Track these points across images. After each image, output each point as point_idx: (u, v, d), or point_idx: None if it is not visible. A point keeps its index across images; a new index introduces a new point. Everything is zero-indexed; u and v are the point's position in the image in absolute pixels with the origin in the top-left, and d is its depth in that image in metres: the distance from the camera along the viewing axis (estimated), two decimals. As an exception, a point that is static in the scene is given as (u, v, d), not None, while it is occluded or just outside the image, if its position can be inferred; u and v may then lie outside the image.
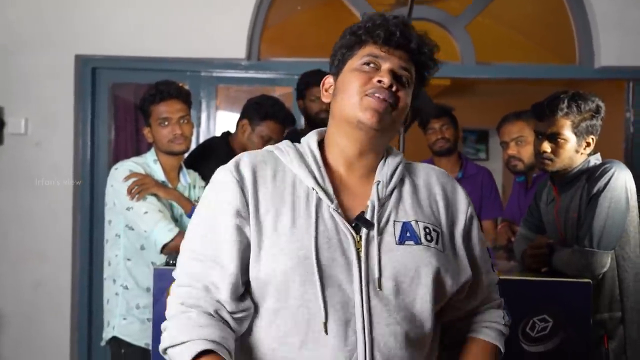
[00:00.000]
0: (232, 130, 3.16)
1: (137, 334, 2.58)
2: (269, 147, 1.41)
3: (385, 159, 1.40)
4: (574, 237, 2.24)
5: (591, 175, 2.22)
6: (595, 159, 2.28)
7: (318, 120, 3.18)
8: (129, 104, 4.10)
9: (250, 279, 1.27)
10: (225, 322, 1.27)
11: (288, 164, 1.35)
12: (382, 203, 1.34)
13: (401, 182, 1.39)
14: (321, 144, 1.40)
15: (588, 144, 2.27)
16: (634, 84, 3.86)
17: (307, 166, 1.35)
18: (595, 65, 3.77)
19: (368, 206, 1.32)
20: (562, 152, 2.25)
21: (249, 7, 3.72)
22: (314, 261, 1.24)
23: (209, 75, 3.82)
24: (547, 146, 2.26)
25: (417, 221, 1.33)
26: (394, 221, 1.33)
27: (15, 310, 3.71)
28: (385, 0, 4.52)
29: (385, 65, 1.33)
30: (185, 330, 1.23)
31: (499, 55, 4.73)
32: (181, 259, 1.33)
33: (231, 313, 1.26)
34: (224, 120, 3.99)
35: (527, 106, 3.06)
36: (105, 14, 3.71)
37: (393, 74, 1.33)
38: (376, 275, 1.27)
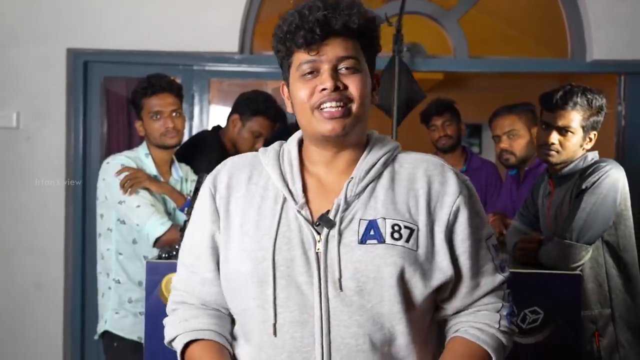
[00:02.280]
0: (223, 124, 3.16)
1: (129, 328, 2.59)
2: (260, 150, 1.42)
3: (370, 150, 1.35)
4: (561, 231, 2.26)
5: (585, 171, 2.23)
6: (593, 156, 2.30)
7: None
8: (121, 97, 4.08)
9: (221, 281, 1.34)
10: (215, 309, 1.37)
11: (265, 165, 1.36)
12: (351, 201, 1.29)
13: (379, 176, 1.33)
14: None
15: (590, 139, 2.29)
16: (626, 77, 3.87)
17: (280, 167, 1.35)
18: (587, 59, 3.78)
19: (333, 205, 1.29)
20: (569, 145, 2.27)
21: (242, 0, 3.71)
22: (270, 262, 1.24)
23: (202, 68, 3.81)
24: (555, 137, 2.27)
25: (384, 218, 1.27)
26: (360, 219, 1.27)
27: (7, 304, 3.70)
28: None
29: (323, 67, 1.27)
30: (174, 326, 1.37)
31: (492, 49, 4.74)
32: (178, 262, 1.44)
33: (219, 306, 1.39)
34: (216, 114, 3.99)
35: (519, 100, 3.08)
36: (98, 7, 3.68)
37: (335, 69, 1.27)
38: (337, 275, 1.23)
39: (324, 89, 1.26)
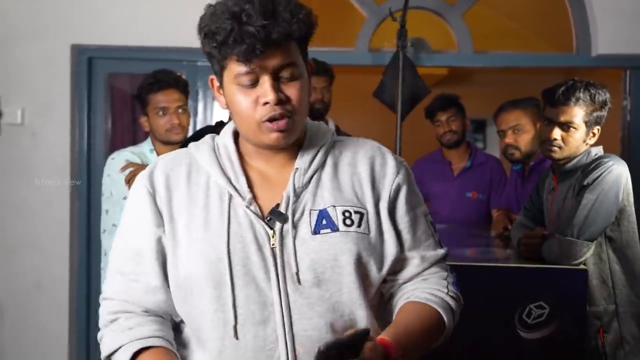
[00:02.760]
0: (226, 119, 3.16)
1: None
2: (190, 145, 1.36)
3: (310, 140, 1.33)
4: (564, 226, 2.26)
5: (587, 167, 2.23)
6: (597, 151, 2.29)
7: (313, 110, 3.17)
8: (125, 93, 4.09)
9: (170, 287, 1.27)
10: (158, 316, 1.30)
11: (202, 163, 1.31)
12: (299, 192, 1.28)
13: (323, 165, 1.32)
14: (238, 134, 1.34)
15: (594, 134, 2.28)
16: (631, 71, 3.86)
17: (220, 163, 1.30)
18: (592, 54, 3.77)
19: (283, 198, 1.27)
20: (572, 140, 2.26)
21: (245, -4, 3.71)
22: (226, 263, 1.21)
23: (206, 64, 3.80)
24: (557, 133, 2.26)
25: (334, 206, 1.27)
26: (310, 210, 1.27)
27: (13, 302, 3.71)
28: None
29: (263, 78, 1.21)
30: (117, 336, 1.26)
31: (496, 44, 4.74)
32: (107, 272, 1.34)
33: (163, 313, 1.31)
34: (220, 110, 3.99)
35: (523, 95, 3.08)
36: (101, 3, 3.69)
37: (276, 78, 1.22)
38: (294, 269, 1.22)
39: (266, 103, 1.21)
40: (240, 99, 1.23)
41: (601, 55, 3.72)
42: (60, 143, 3.71)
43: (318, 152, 1.32)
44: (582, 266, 2.15)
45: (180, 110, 2.64)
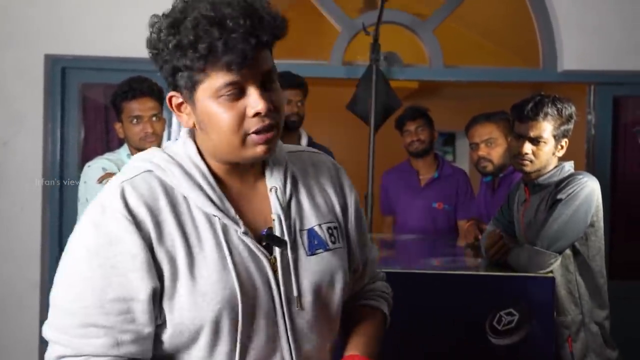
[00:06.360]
0: None
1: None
2: (146, 166, 1.17)
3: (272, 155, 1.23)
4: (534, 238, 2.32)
5: (561, 182, 2.30)
6: (569, 167, 2.36)
7: (288, 122, 3.21)
8: (98, 104, 4.07)
9: (168, 327, 1.12)
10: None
11: (176, 187, 1.15)
12: (287, 214, 1.21)
13: (293, 182, 1.26)
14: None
15: (562, 147, 2.36)
16: (595, 87, 3.97)
17: (200, 187, 1.15)
18: (558, 69, 3.88)
19: (274, 220, 1.20)
20: (542, 154, 2.32)
21: (221, 8, 3.73)
22: (239, 298, 1.12)
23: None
24: (528, 148, 2.33)
25: (320, 224, 1.24)
26: (300, 230, 1.22)
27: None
28: (354, 5, 4.59)
29: (250, 87, 1.11)
30: None
31: (467, 59, 4.83)
32: (67, 320, 1.10)
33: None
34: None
35: (493, 109, 3.14)
36: (76, 13, 3.68)
37: (262, 84, 1.13)
38: (295, 294, 1.18)
39: (257, 113, 1.11)
40: (222, 113, 1.11)
41: (567, 71, 3.83)
42: (32, 153, 3.68)
43: (286, 167, 1.26)
44: (549, 274, 2.22)
45: (154, 119, 2.65)
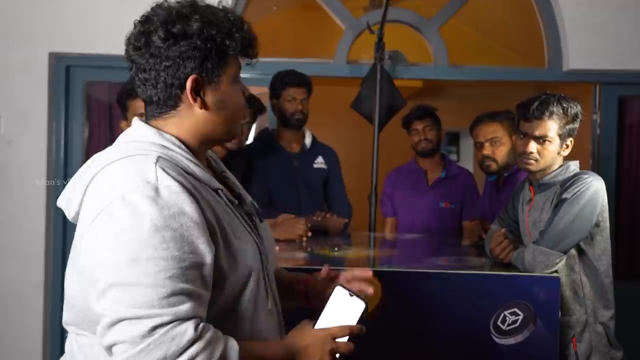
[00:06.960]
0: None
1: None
2: (154, 148, 1.26)
3: None
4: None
5: (566, 181, 2.29)
6: (575, 166, 2.36)
7: (293, 120, 3.21)
8: (102, 102, 4.08)
9: (228, 281, 1.26)
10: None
11: (184, 167, 1.27)
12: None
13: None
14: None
15: (567, 146, 2.35)
16: (600, 86, 3.96)
17: (199, 166, 1.30)
18: (563, 68, 3.87)
19: (242, 194, 1.44)
20: (547, 153, 2.31)
21: (226, 4, 3.73)
22: (259, 252, 1.37)
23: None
24: (533, 147, 2.32)
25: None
26: (251, 202, 1.47)
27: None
28: (359, 3, 4.58)
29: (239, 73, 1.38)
30: (217, 338, 1.18)
31: (471, 58, 4.82)
32: (153, 286, 1.14)
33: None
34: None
35: (497, 108, 3.13)
36: (80, 11, 3.69)
37: None
38: (266, 253, 1.42)
39: (247, 94, 1.40)
40: (240, 95, 1.36)
41: (572, 70, 3.82)
42: (37, 151, 3.69)
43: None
44: (554, 274, 2.21)
45: (159, 118, 2.65)
